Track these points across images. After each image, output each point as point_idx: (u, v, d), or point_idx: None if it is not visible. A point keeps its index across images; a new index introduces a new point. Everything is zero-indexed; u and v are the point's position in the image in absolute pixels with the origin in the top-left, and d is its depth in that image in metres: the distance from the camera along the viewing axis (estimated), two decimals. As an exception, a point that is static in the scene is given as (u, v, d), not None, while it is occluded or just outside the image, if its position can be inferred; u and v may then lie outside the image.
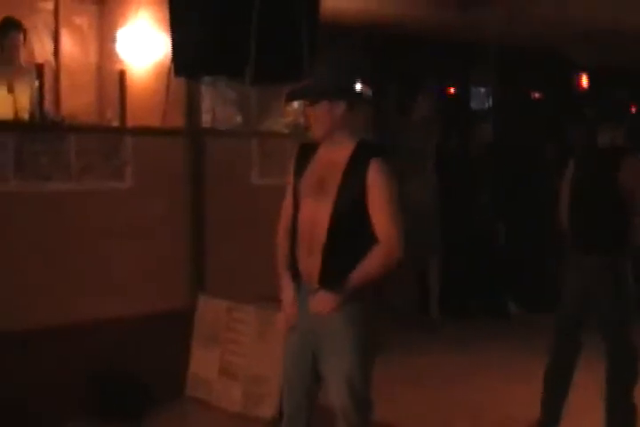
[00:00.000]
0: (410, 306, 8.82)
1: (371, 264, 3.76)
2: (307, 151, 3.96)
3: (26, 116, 6.38)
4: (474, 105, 11.69)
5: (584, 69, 11.45)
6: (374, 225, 3.75)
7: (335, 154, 3.84)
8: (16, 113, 6.30)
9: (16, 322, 5.47)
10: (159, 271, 6.22)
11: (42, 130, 5.91)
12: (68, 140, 5.80)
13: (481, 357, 7.50)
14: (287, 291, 3.94)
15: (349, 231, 3.77)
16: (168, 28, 6.29)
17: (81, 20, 7.64)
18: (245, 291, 6.12)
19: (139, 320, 5.95)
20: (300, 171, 3.92)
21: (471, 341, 8.02)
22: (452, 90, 10.94)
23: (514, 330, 8.46)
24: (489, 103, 11.61)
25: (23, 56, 6.56)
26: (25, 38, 6.50)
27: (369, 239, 3.77)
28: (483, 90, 11.72)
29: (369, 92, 8.71)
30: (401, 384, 6.56)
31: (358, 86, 8.84)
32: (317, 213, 3.79)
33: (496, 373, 7.00)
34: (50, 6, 7.28)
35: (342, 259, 3.77)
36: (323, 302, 3.78)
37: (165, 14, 6.31)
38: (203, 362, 6.03)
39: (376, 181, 3.72)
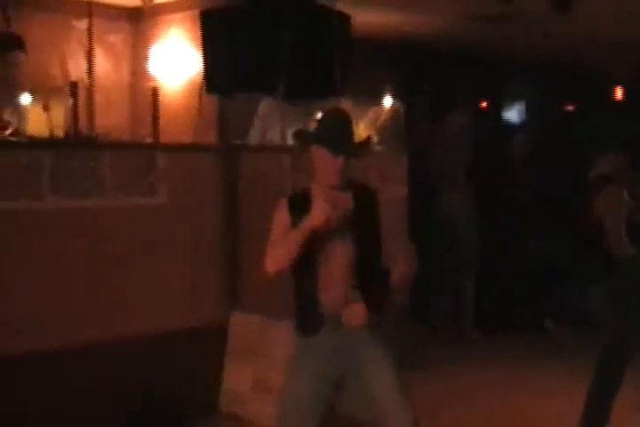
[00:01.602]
0: (446, 321, 8.78)
1: (400, 277, 4.04)
2: (298, 202, 4.08)
3: (61, 133, 6.43)
4: (509, 118, 11.65)
5: (619, 82, 11.38)
6: (393, 245, 4.08)
7: (337, 199, 3.98)
8: (51, 131, 6.35)
9: (46, 341, 5.49)
10: (194, 287, 6.24)
11: (76, 147, 5.95)
12: (103, 157, 5.83)
13: (516, 372, 7.45)
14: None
15: (370, 261, 4.06)
16: (200, 45, 6.34)
17: (114, 39, 7.71)
18: (279, 307, 6.11)
19: (173, 336, 5.97)
20: (301, 217, 3.97)
21: (506, 356, 7.98)
22: (484, 104, 10.90)
23: (552, 347, 8.39)
24: (524, 117, 11.57)
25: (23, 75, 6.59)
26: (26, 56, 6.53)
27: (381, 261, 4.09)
28: (518, 104, 11.68)
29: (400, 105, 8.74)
30: (435, 400, 6.53)
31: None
32: (335, 253, 4.01)
33: (531, 388, 6.96)
34: (83, 25, 7.33)
35: (369, 285, 4.03)
36: (356, 311, 3.96)
37: (198, 32, 6.36)
38: (236, 377, 6.02)
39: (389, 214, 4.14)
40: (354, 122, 4.22)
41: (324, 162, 4.00)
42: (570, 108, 11.49)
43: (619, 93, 11.22)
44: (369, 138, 4.50)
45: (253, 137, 7.19)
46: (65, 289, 5.64)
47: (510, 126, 11.33)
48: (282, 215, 4.11)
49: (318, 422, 4.07)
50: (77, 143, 6.20)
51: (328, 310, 4.02)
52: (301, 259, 3.99)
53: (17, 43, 6.51)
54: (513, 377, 7.32)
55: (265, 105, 7.21)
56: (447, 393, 6.82)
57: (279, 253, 4.00)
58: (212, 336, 6.04)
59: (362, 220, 4.02)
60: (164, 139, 6.64)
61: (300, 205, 4.04)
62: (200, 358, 5.93)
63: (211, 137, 6.61)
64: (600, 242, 5.61)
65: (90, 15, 7.32)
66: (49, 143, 6.02)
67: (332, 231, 3.95)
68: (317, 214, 3.88)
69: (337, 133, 4.02)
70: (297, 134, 4.34)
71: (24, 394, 5.34)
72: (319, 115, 4.38)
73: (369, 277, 4.01)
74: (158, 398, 5.73)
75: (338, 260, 4.01)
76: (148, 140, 6.74)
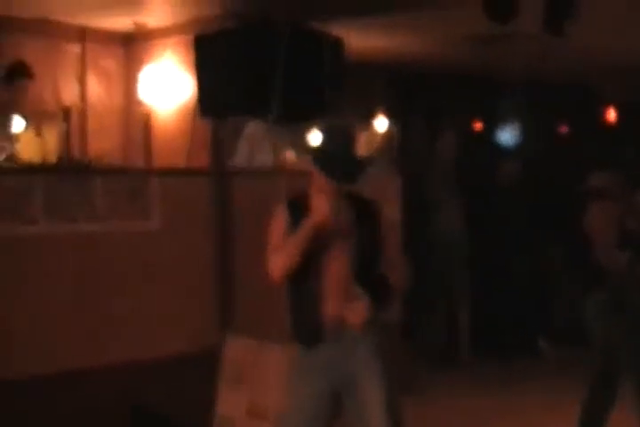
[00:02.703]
0: (440, 347, 8.75)
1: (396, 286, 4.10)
2: (297, 207, 4.06)
3: (54, 158, 6.44)
4: (502, 140, 11.66)
5: (612, 103, 11.40)
6: (389, 256, 4.10)
7: (338, 214, 3.98)
8: (44, 156, 6.36)
9: (42, 365, 5.47)
10: (187, 311, 6.22)
11: (69, 172, 5.95)
12: (95, 182, 5.84)
13: (513, 396, 7.41)
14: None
15: (372, 268, 4.06)
16: (193, 69, 6.36)
17: (107, 63, 7.73)
18: (273, 331, 6.10)
19: (166, 361, 5.95)
20: (299, 223, 3.98)
21: (502, 380, 7.93)
22: (478, 126, 10.91)
23: (545, 368, 8.36)
24: (518, 138, 11.57)
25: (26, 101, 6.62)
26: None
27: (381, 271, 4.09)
28: (511, 125, 11.69)
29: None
30: (431, 425, 6.50)
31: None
32: (335, 261, 3.99)
33: (528, 413, 6.91)
34: (77, 49, 7.36)
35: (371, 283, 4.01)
36: (359, 309, 3.93)
37: (190, 56, 6.38)
38: (230, 403, 5.98)
39: (386, 225, 4.14)
40: (356, 140, 4.22)
41: (323, 185, 3.99)
42: (563, 128, 11.50)
43: (612, 114, 11.23)
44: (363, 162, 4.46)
45: (239, 159, 7.17)
46: (56, 314, 5.62)
47: (503, 147, 11.35)
48: (280, 221, 4.08)
49: None
50: (70, 168, 6.20)
51: (328, 321, 3.99)
52: (300, 270, 3.98)
53: (25, 70, 6.55)
54: (506, 400, 7.28)
55: (251, 127, 7.20)
56: (439, 418, 6.78)
57: (283, 257, 3.97)
58: (206, 361, 6.00)
59: (362, 230, 4.02)
60: (157, 163, 6.65)
61: (298, 208, 4.02)
62: (193, 383, 5.90)
63: (204, 161, 6.61)
64: (589, 256, 5.60)
65: (83, 40, 7.34)
66: (41, 168, 6.02)
67: (333, 233, 3.94)
68: (319, 209, 3.89)
69: (339, 159, 4.00)
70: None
71: (9, 418, 5.31)
72: (321, 131, 4.29)
73: (370, 280, 3.99)
74: (150, 424, 5.70)
75: (338, 270, 3.99)
76: (141, 164, 6.74)
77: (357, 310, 3.94)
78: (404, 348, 7.66)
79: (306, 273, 4.00)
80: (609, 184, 5.66)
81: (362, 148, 8.60)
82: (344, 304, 3.96)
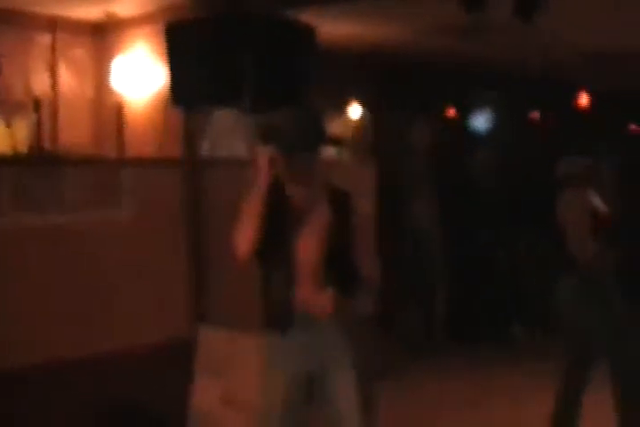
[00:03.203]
0: (416, 333, 8.79)
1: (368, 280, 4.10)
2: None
3: (24, 150, 6.39)
4: (476, 128, 11.68)
5: (586, 91, 11.44)
6: (361, 253, 4.07)
7: (310, 201, 4.04)
8: (14, 147, 6.31)
9: (16, 358, 5.44)
10: (161, 302, 6.20)
11: (40, 164, 5.91)
12: (66, 173, 5.80)
13: (488, 380, 7.47)
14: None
15: (343, 258, 4.04)
16: (165, 58, 6.32)
17: (78, 53, 7.66)
18: (248, 320, 6.10)
19: (141, 352, 5.93)
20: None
21: (477, 366, 7.99)
22: (452, 112, 10.92)
23: (519, 354, 8.42)
24: (490, 126, 11.60)
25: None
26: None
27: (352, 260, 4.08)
28: (484, 113, 11.71)
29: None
30: (409, 409, 6.53)
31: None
32: (308, 251, 4.00)
33: (504, 396, 6.97)
34: (47, 39, 7.29)
35: (338, 279, 4.01)
36: (324, 301, 3.94)
37: (162, 45, 6.34)
38: (205, 393, 5.98)
39: (358, 219, 4.11)
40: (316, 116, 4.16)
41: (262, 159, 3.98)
42: (535, 115, 11.54)
43: (584, 99, 11.26)
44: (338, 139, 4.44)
45: (205, 149, 7.14)
46: (26, 306, 5.58)
47: (477, 134, 11.38)
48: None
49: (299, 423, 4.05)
50: (40, 159, 6.16)
51: (299, 307, 4.01)
52: (272, 256, 4.00)
53: None
54: (481, 386, 7.33)
55: (218, 116, 7.17)
56: (415, 404, 6.82)
57: (241, 231, 3.97)
58: (180, 351, 6.01)
59: (334, 218, 4.02)
60: (129, 153, 6.61)
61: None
62: (168, 373, 5.89)
63: (176, 151, 6.58)
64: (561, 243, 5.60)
65: (53, 30, 7.27)
66: (11, 160, 5.98)
67: (303, 214, 3.99)
68: (258, 170, 3.94)
69: (286, 129, 3.98)
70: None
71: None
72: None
73: (339, 271, 4.00)
74: (126, 414, 5.69)
75: (309, 257, 4.00)
76: (113, 154, 6.70)
77: (322, 302, 3.96)
78: (382, 335, 7.69)
79: (277, 259, 4.02)
80: (579, 170, 5.66)
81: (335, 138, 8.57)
82: (312, 293, 3.98)
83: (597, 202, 5.54)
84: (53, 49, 7.27)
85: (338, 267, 4.01)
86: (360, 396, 3.98)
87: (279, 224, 4.00)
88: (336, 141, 4.26)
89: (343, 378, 3.99)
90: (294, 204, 4.07)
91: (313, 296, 3.97)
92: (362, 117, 9.83)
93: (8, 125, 6.35)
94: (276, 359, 4.13)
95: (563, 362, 5.58)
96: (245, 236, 3.96)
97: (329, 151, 4.26)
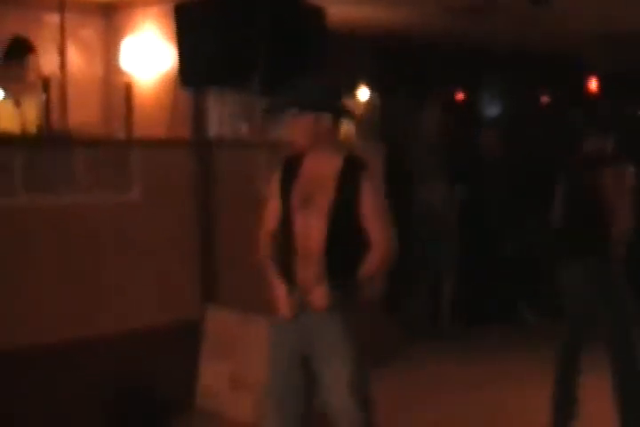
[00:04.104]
0: (424, 317, 8.79)
1: (370, 268, 3.97)
2: (292, 164, 4.04)
3: (33, 130, 6.38)
4: (486, 110, 11.65)
5: (595, 73, 11.39)
6: (369, 231, 3.93)
7: (323, 168, 3.97)
8: (24, 127, 6.30)
9: (26, 337, 5.46)
10: (169, 283, 6.22)
11: (49, 144, 5.91)
12: (76, 153, 5.80)
13: (494, 364, 7.48)
14: (279, 288, 4.03)
15: (344, 242, 3.94)
16: (174, 39, 6.30)
17: (87, 33, 7.66)
18: (255, 303, 6.10)
19: (148, 333, 5.95)
20: (287, 184, 4.00)
21: (484, 348, 8.00)
22: (461, 95, 10.88)
23: (526, 338, 8.41)
24: (500, 108, 11.57)
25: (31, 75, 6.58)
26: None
27: (360, 245, 3.95)
28: (494, 95, 11.67)
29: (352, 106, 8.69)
30: (415, 393, 6.55)
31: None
32: (310, 228, 3.93)
33: (509, 380, 6.97)
34: (56, 19, 7.26)
35: (340, 267, 3.93)
36: (321, 296, 3.89)
37: (171, 26, 6.32)
38: (213, 374, 6.00)
39: (370, 193, 3.92)
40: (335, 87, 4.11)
41: (292, 125, 3.95)
42: (545, 98, 11.50)
43: (593, 83, 11.21)
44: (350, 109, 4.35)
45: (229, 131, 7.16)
46: (39, 286, 5.60)
47: (486, 117, 11.35)
48: (273, 185, 4.08)
49: (303, 402, 4.01)
50: (50, 140, 6.15)
51: (299, 288, 3.95)
52: (281, 230, 4.01)
53: (28, 47, 6.49)
54: (486, 369, 7.34)
55: (226, 96, 7.15)
56: (419, 385, 6.83)
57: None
58: (189, 332, 6.02)
59: (343, 192, 3.90)
60: (138, 133, 6.60)
61: (291, 168, 4.01)
62: (176, 354, 5.90)
63: (185, 131, 6.57)
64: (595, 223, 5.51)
65: (62, 9, 7.25)
66: (21, 140, 5.97)
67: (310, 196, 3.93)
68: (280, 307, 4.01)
69: (302, 90, 3.95)
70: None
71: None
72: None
73: (338, 259, 3.91)
74: (133, 395, 5.71)
75: (310, 242, 3.92)
76: (122, 135, 6.69)
77: (317, 297, 3.91)
78: (389, 318, 7.70)
79: (285, 231, 4.00)
80: (610, 148, 5.57)
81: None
82: (310, 281, 3.91)
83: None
84: (62, 29, 7.24)
85: (339, 254, 3.91)
86: (359, 383, 3.91)
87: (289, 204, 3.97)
88: (351, 115, 4.19)
89: (337, 365, 3.91)
90: (306, 172, 3.99)
91: (310, 286, 3.91)
92: (370, 100, 9.81)
93: (17, 105, 6.33)
94: (278, 339, 4.09)
95: (558, 344, 5.60)
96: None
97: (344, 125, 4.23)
